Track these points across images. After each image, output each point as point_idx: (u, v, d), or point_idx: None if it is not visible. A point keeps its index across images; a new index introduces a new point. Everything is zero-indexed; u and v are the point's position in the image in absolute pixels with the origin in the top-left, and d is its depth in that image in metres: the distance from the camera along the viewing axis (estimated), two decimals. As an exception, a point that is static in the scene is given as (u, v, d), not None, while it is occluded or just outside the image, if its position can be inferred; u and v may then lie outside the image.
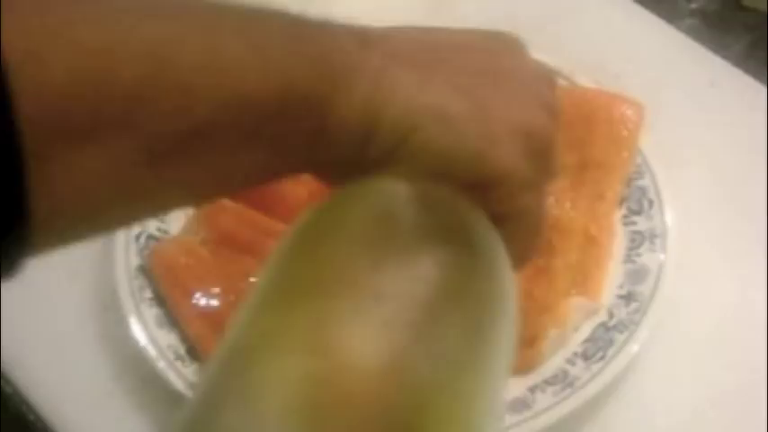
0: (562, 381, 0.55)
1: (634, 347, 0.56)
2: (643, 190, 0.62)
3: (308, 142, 0.35)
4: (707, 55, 0.73)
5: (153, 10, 0.31)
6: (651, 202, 0.62)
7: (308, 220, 0.37)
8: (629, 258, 0.60)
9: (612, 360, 0.55)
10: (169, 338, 0.57)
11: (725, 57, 0.73)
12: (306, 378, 0.30)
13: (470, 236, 0.37)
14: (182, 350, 0.57)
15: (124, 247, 0.60)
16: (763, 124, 0.68)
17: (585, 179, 0.63)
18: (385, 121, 0.36)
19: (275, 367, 0.31)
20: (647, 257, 0.60)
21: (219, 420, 0.30)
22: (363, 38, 0.37)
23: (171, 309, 0.59)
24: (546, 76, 0.45)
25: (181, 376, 0.56)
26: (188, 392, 0.55)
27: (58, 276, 0.62)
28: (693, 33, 0.75)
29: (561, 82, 0.67)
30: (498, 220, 0.39)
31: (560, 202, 0.62)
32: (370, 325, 0.32)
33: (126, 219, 0.35)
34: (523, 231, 0.40)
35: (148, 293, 0.59)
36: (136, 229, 0.61)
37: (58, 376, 0.60)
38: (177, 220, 0.63)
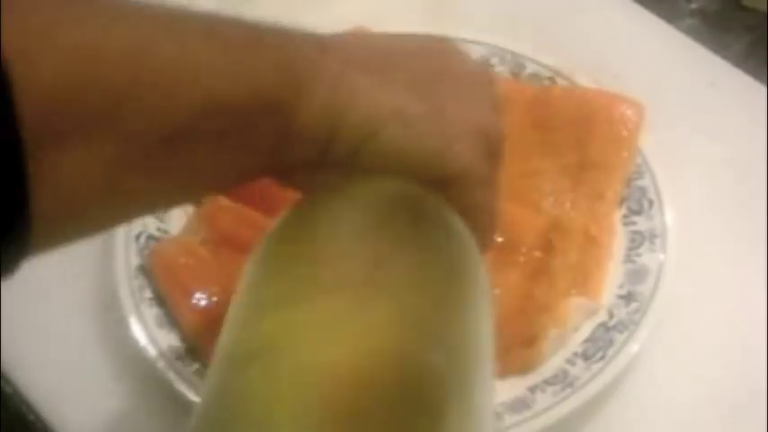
0: (562, 381, 0.55)
1: (634, 347, 0.56)
2: (643, 190, 0.62)
3: (273, 145, 0.36)
4: (707, 55, 0.73)
5: (121, 9, 0.31)
6: (651, 202, 0.62)
7: (285, 225, 0.39)
8: (629, 258, 0.60)
9: (612, 360, 0.55)
10: (169, 338, 0.57)
11: (725, 57, 0.73)
12: (316, 375, 0.31)
13: (451, 226, 0.39)
14: (182, 350, 0.57)
15: (124, 247, 0.60)
16: (763, 124, 0.68)
17: (585, 179, 0.63)
18: (346, 125, 0.37)
19: (284, 367, 0.31)
20: (647, 257, 0.60)
21: (233, 427, 0.30)
22: (322, 45, 0.38)
23: (171, 309, 0.59)
24: (488, 75, 0.47)
25: (181, 376, 0.56)
26: (188, 392, 0.55)
27: (57, 276, 0.61)
28: (693, 33, 0.75)
29: (561, 82, 0.67)
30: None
31: (560, 202, 0.62)
32: (374, 318, 0.33)
33: (116, 218, 0.36)
34: (479, 225, 0.42)
35: (148, 293, 0.59)
36: (136, 228, 0.61)
37: (58, 376, 0.60)
38: (177, 220, 0.63)
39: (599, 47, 0.72)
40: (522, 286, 0.58)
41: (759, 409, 0.57)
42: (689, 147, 0.67)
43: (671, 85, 0.71)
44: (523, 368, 0.56)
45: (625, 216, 0.62)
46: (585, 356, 0.56)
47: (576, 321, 0.58)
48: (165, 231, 0.62)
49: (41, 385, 0.60)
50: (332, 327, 0.33)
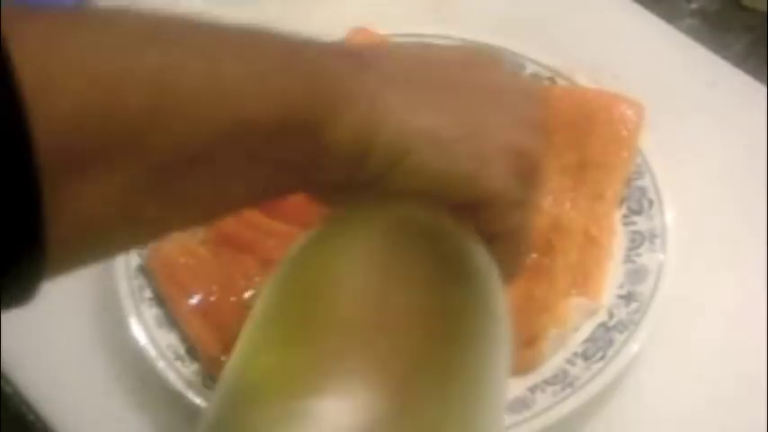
0: (562, 381, 0.55)
1: (634, 347, 0.56)
2: (643, 190, 0.62)
3: (304, 164, 0.35)
4: (707, 55, 0.73)
5: (155, 35, 0.31)
6: (651, 202, 0.62)
7: (304, 248, 0.38)
8: (629, 258, 0.60)
9: (612, 360, 0.55)
10: (169, 338, 0.57)
11: (725, 57, 0.73)
12: (298, 419, 0.30)
13: (468, 262, 0.38)
14: (182, 350, 0.57)
15: (124, 247, 0.60)
16: (763, 124, 0.68)
17: (585, 179, 0.63)
18: (378, 145, 0.36)
19: (271, 408, 0.31)
20: (647, 257, 0.60)
21: None
22: (360, 60, 0.37)
23: (171, 309, 0.59)
24: (533, 93, 0.45)
25: (181, 376, 0.56)
26: (188, 392, 0.55)
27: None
28: (693, 33, 0.75)
29: (561, 82, 0.67)
30: (489, 239, 0.39)
31: (560, 202, 0.62)
32: (372, 359, 0.33)
33: (130, 243, 0.36)
34: (513, 249, 0.41)
35: (148, 293, 0.59)
36: (136, 229, 0.61)
37: (58, 376, 0.60)
38: (177, 220, 0.63)
39: (599, 47, 0.72)
40: (522, 286, 0.58)
41: (759, 409, 0.57)
42: (689, 147, 0.67)
43: (671, 85, 0.71)
44: (523, 368, 0.56)
45: (625, 216, 0.62)
46: (585, 356, 0.56)
47: (575, 321, 0.57)
48: (165, 231, 0.62)
49: (41, 385, 0.60)
50: (329, 372, 0.32)
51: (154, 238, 0.42)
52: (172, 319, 0.58)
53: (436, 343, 0.35)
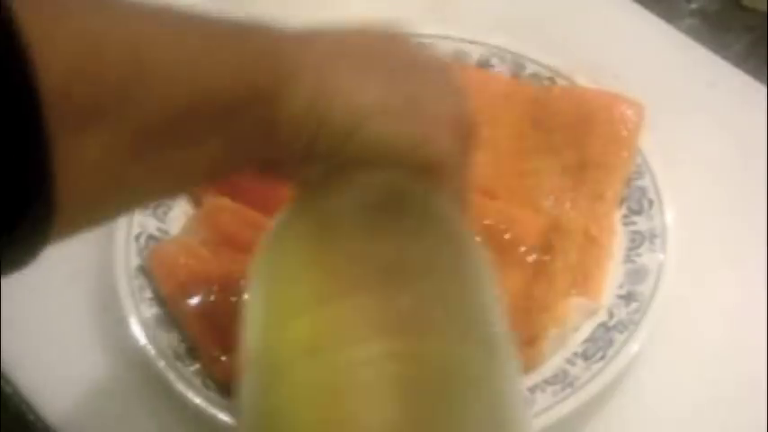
0: (562, 381, 0.55)
1: (634, 347, 0.56)
2: (643, 190, 0.62)
3: (262, 136, 0.38)
4: (707, 55, 0.73)
5: (137, 9, 0.34)
6: (651, 202, 0.62)
7: (295, 217, 0.41)
8: (629, 258, 0.60)
9: (612, 360, 0.55)
10: (169, 338, 0.57)
11: (725, 57, 0.73)
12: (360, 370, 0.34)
13: (442, 210, 0.41)
14: (182, 350, 0.57)
15: (124, 247, 0.60)
16: (763, 124, 0.68)
17: (585, 179, 0.63)
18: (330, 120, 0.39)
19: (334, 362, 0.34)
20: (647, 257, 0.60)
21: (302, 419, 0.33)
22: (300, 39, 0.40)
23: (171, 309, 0.59)
24: (445, 63, 0.51)
25: (181, 376, 0.56)
26: (188, 392, 0.55)
27: (58, 276, 0.62)
28: (693, 33, 0.75)
29: (561, 82, 0.67)
30: None
31: (560, 202, 0.62)
32: (400, 311, 0.36)
33: (120, 208, 0.38)
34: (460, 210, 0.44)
35: (148, 293, 0.59)
36: (136, 229, 0.61)
37: (58, 376, 0.60)
38: (177, 221, 0.63)
39: (599, 47, 0.72)
40: (522, 286, 0.58)
41: (759, 409, 0.57)
42: (689, 147, 0.67)
43: (671, 85, 0.71)
44: (523, 368, 0.56)
45: (625, 216, 0.62)
46: (585, 356, 0.56)
47: (575, 321, 0.57)
48: (165, 231, 0.62)
49: (41, 385, 0.60)
50: (363, 323, 0.35)
51: (138, 205, 0.45)
52: (172, 319, 0.58)
53: (436, 280, 0.38)
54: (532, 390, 0.55)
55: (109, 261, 0.60)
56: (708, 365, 0.59)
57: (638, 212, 0.62)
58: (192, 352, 0.57)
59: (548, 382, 0.55)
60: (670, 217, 0.61)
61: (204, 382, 0.56)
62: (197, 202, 0.64)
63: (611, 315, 0.58)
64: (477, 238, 0.42)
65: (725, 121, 0.69)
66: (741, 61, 0.73)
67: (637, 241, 0.61)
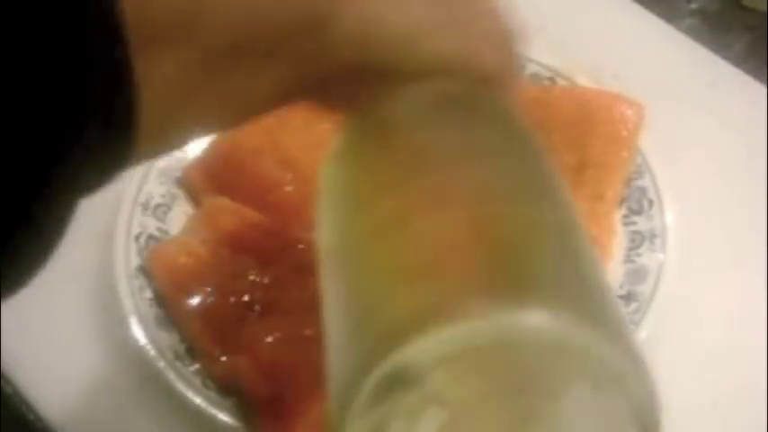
0: (562, 381, 0.55)
1: (634, 347, 0.56)
2: (643, 190, 0.62)
3: (320, 59, 0.39)
4: (707, 55, 0.73)
5: None
6: (651, 202, 0.62)
7: (363, 124, 0.42)
8: (629, 258, 0.60)
9: (612, 360, 0.55)
10: (169, 338, 0.57)
11: (725, 57, 0.73)
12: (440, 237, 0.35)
13: (504, 107, 0.43)
14: (182, 350, 0.57)
15: (124, 247, 0.60)
16: (763, 124, 0.68)
17: (585, 179, 0.63)
18: (382, 39, 0.40)
19: (414, 232, 0.35)
20: (647, 257, 0.60)
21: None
22: None
23: (171, 309, 0.59)
24: None
25: (181, 376, 0.56)
26: (188, 392, 0.55)
27: (58, 276, 0.61)
28: (693, 33, 0.75)
29: (561, 82, 0.67)
30: None
31: (560, 202, 0.62)
32: (476, 186, 0.37)
33: (185, 131, 0.39)
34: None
35: (148, 293, 0.59)
36: (136, 229, 0.61)
37: (58, 376, 0.60)
38: (177, 220, 0.63)
39: (599, 47, 0.72)
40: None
41: (759, 409, 0.57)
42: (689, 147, 0.67)
43: (671, 85, 0.71)
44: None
45: (625, 216, 0.62)
46: (585, 356, 0.56)
47: (576, 321, 0.57)
48: (165, 231, 0.62)
49: (41, 385, 0.60)
50: (437, 198, 0.36)
51: (204, 130, 0.46)
52: (172, 319, 0.58)
53: (501, 159, 0.39)
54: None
55: (109, 261, 0.60)
56: (708, 365, 0.59)
57: (638, 212, 0.62)
58: (192, 352, 0.57)
59: (548, 382, 0.55)
60: (670, 217, 0.61)
61: (204, 382, 0.56)
62: (197, 202, 0.64)
63: (611, 315, 0.58)
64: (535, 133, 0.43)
65: (725, 121, 0.69)
66: (741, 61, 0.73)
67: (637, 241, 0.61)
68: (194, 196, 0.64)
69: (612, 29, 0.75)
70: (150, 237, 0.61)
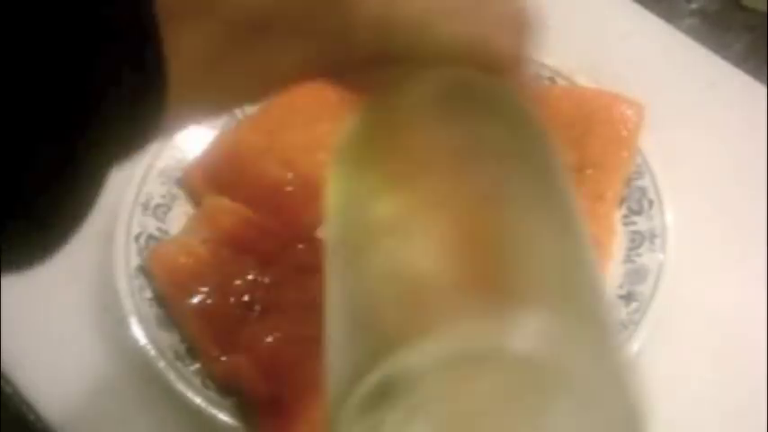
0: (562, 381, 0.55)
1: (634, 347, 0.56)
2: (643, 190, 0.62)
3: (340, 39, 0.39)
4: (707, 55, 0.73)
5: None
6: (651, 202, 0.62)
7: (365, 117, 0.42)
8: (628, 258, 0.60)
9: (612, 360, 0.55)
10: (169, 338, 0.57)
11: (725, 57, 0.73)
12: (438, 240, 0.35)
13: (514, 99, 0.43)
14: (182, 350, 0.57)
15: (124, 247, 0.60)
16: (763, 124, 0.68)
17: (585, 179, 0.63)
18: (401, 21, 0.40)
19: (413, 231, 0.36)
20: (647, 257, 0.60)
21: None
22: None
23: (171, 309, 0.59)
24: None
25: (181, 376, 0.56)
26: (188, 392, 0.55)
27: (58, 276, 0.61)
28: (693, 33, 0.75)
29: (561, 82, 0.67)
30: None
31: (560, 202, 0.62)
32: (466, 186, 0.37)
33: (211, 105, 0.40)
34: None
35: (148, 293, 0.59)
36: (136, 229, 0.61)
37: (58, 376, 0.60)
38: (177, 220, 0.63)
39: (599, 47, 0.72)
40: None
41: (759, 409, 0.57)
42: (689, 147, 0.67)
43: (671, 85, 0.71)
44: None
45: (625, 216, 0.62)
46: (585, 356, 0.56)
47: (576, 321, 0.57)
48: (165, 232, 0.62)
49: (41, 385, 0.60)
50: (440, 198, 0.36)
51: (228, 104, 0.46)
52: (172, 319, 0.58)
53: (509, 159, 0.39)
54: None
55: (109, 261, 0.60)
56: (708, 365, 0.59)
57: (638, 212, 0.62)
58: (192, 352, 0.57)
59: (548, 382, 0.55)
60: (670, 217, 0.61)
61: (204, 382, 0.56)
62: (197, 202, 0.64)
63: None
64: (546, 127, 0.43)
65: (725, 121, 0.69)
66: (741, 61, 0.73)
67: (637, 241, 0.61)
68: (194, 196, 0.64)
69: (612, 29, 0.75)
70: (150, 237, 0.61)
